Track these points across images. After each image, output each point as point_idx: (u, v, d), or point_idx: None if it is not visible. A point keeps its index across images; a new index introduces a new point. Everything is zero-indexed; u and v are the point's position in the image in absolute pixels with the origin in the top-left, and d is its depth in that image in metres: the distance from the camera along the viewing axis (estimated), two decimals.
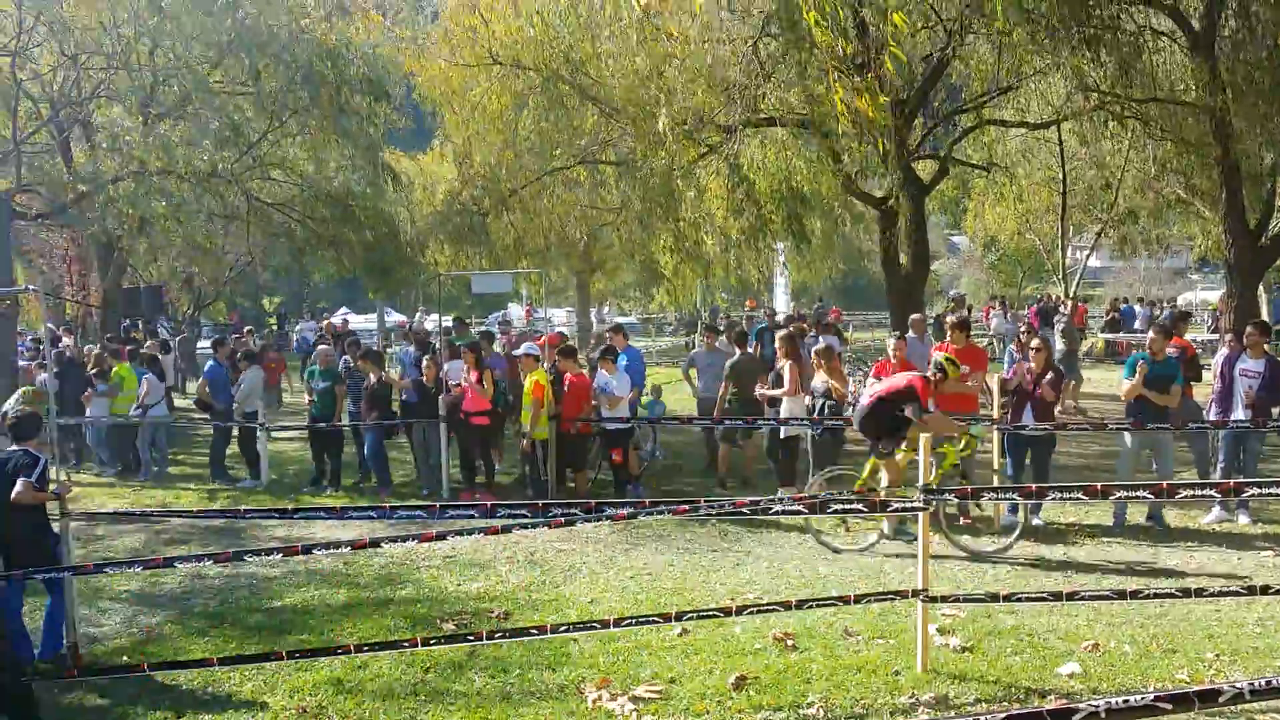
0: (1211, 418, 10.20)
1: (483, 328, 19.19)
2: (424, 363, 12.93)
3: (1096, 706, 3.71)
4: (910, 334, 12.53)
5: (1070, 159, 19.45)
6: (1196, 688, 3.98)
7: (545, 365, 11.97)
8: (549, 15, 16.16)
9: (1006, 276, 39.61)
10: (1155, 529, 9.45)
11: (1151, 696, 3.66)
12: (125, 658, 6.81)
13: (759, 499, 6.55)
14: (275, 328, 30.03)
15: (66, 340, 19.93)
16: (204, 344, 32.71)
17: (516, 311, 37.45)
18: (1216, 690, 3.66)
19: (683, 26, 14.12)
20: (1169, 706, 3.67)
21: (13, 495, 6.47)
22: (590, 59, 16.29)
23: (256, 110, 16.87)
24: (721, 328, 16.36)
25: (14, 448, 6.89)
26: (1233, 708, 4.79)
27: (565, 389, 11.46)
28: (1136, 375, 9.56)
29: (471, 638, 6.35)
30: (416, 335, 17.53)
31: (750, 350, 12.82)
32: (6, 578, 6.00)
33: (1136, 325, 27.91)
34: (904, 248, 14.85)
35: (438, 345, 14.59)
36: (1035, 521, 9.71)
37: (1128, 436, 9.66)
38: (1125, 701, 3.70)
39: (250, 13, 15.36)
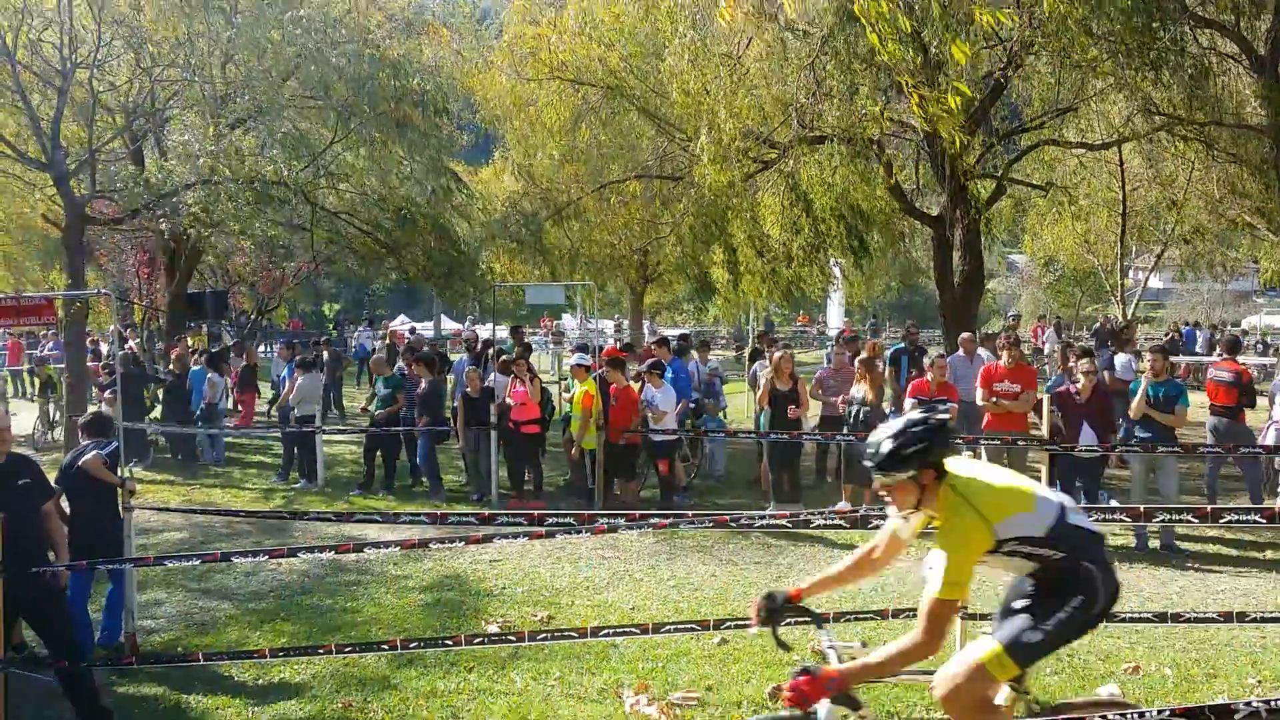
0: (1267, 442, 10.08)
1: (526, 339, 19.39)
2: (466, 372, 13.11)
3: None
4: (959, 353, 12.46)
5: (1132, 179, 19.18)
6: (1209, 703, 3.99)
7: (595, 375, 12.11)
8: (609, 32, 16.38)
9: (1065, 296, 39.03)
10: (1170, 556, 9.31)
11: (1164, 712, 3.68)
12: (180, 648, 7.06)
13: (799, 512, 6.61)
14: (335, 334, 30.59)
15: (131, 342, 20.55)
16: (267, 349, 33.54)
17: (570, 322, 37.53)
18: (1230, 708, 3.66)
19: (743, 46, 14.22)
20: None
21: (81, 460, 6.79)
22: (649, 75, 16.46)
23: (322, 121, 17.25)
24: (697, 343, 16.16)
25: (87, 441, 7.24)
26: None
27: (613, 400, 11.59)
28: (1139, 394, 9.78)
29: (514, 638, 6.49)
30: (468, 343, 17.82)
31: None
32: (71, 568, 6.24)
33: (1197, 348, 27.42)
34: (957, 266, 14.77)
35: (490, 354, 14.80)
36: None
37: (1135, 459, 10.13)
38: (1140, 715, 3.73)
39: (318, 28, 15.70)
